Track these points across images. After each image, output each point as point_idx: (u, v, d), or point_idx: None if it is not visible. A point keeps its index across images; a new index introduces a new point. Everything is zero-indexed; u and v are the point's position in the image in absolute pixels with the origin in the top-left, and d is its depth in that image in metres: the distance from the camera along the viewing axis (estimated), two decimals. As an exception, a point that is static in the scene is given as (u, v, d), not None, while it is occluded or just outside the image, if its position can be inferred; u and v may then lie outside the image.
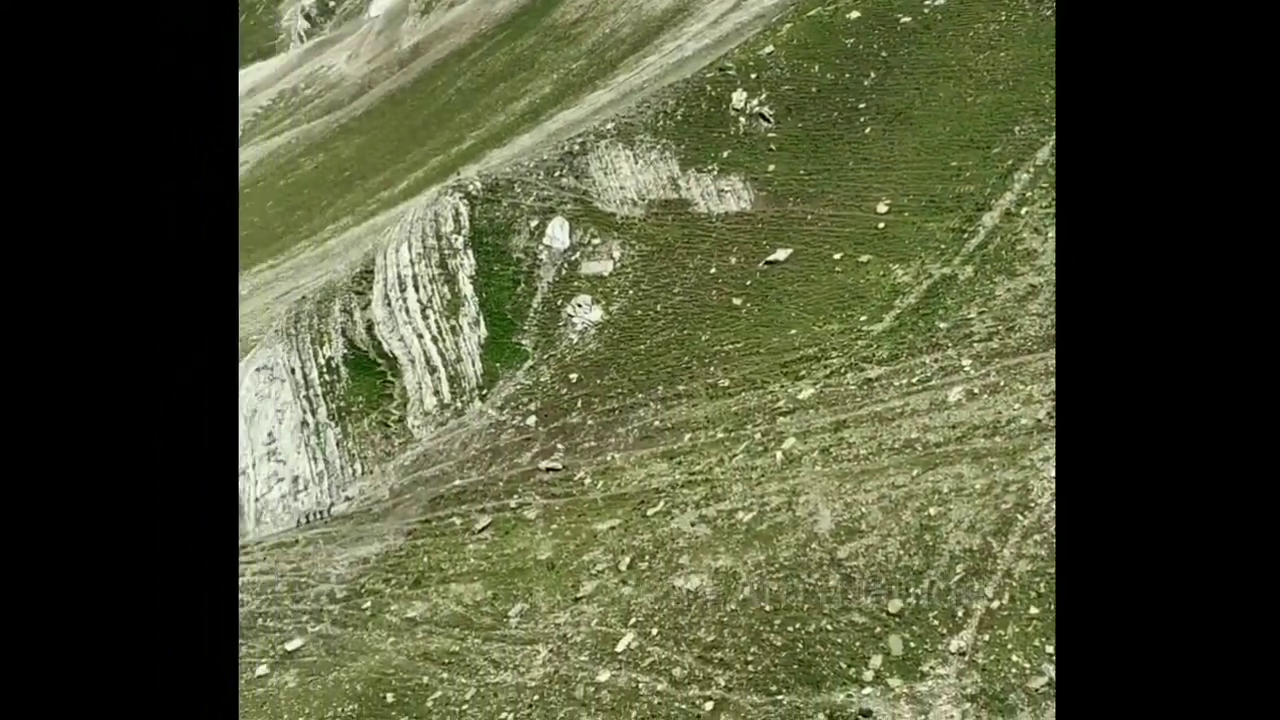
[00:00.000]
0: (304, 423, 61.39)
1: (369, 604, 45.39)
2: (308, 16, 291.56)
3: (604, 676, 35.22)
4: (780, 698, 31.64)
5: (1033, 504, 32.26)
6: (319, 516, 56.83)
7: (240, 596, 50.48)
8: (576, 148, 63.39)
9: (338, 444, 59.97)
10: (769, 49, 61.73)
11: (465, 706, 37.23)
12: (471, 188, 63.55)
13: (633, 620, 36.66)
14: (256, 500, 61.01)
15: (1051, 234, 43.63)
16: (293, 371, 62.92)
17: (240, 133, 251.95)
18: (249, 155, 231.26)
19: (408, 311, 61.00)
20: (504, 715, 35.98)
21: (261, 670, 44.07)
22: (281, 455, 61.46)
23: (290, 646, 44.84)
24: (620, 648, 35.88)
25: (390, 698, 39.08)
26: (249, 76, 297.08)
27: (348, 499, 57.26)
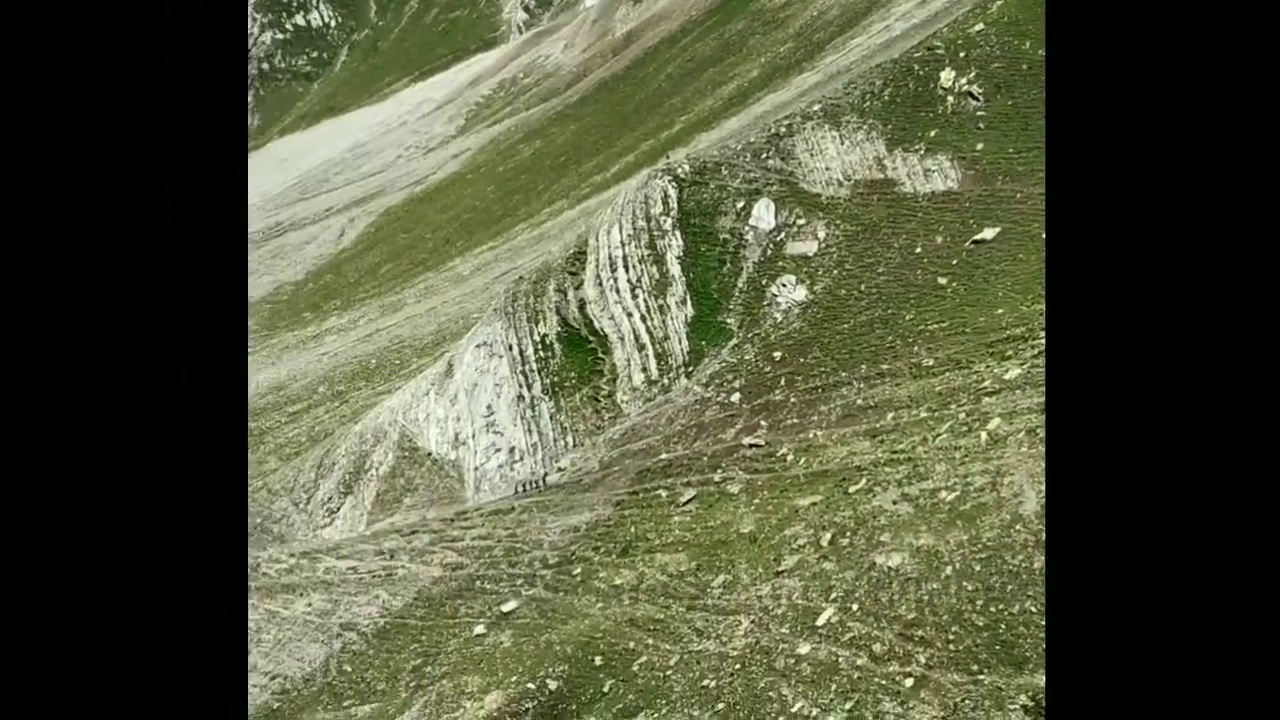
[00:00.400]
0: (520, 396, 63.12)
1: (579, 570, 46.39)
2: (526, 8, 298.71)
3: (804, 649, 35.07)
4: (981, 677, 30.88)
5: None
6: (534, 485, 58.38)
7: (460, 559, 52.36)
8: (783, 130, 62.92)
9: (551, 417, 61.45)
10: (979, 27, 59.82)
11: (669, 672, 37.68)
12: (680, 171, 63.88)
13: (833, 595, 36.36)
14: (476, 469, 63.16)
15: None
16: (510, 348, 64.72)
17: (463, 121, 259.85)
18: (471, 143, 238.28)
19: (618, 291, 61.89)
20: (706, 682, 36.26)
21: (479, 630, 45.59)
22: (499, 427, 63.39)
23: (506, 608, 46.22)
24: (821, 622, 35.65)
25: (598, 660, 39.88)
26: (471, 68, 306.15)
27: (560, 469, 58.64)
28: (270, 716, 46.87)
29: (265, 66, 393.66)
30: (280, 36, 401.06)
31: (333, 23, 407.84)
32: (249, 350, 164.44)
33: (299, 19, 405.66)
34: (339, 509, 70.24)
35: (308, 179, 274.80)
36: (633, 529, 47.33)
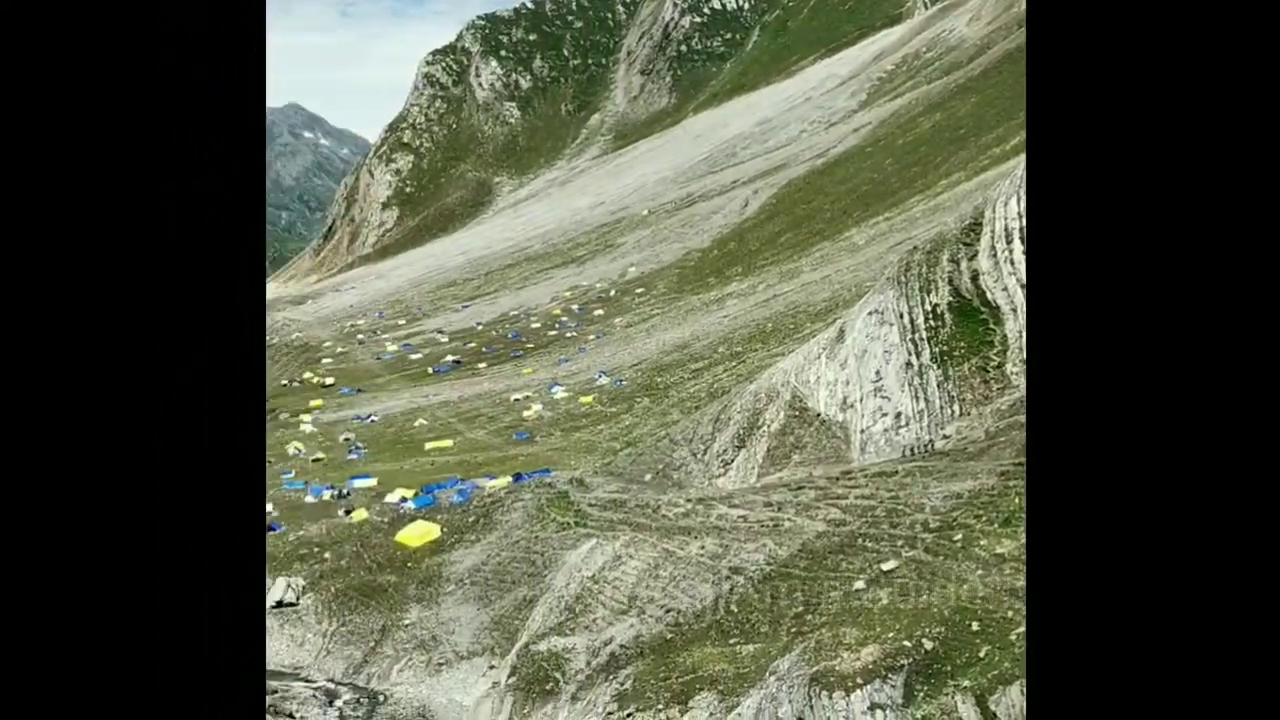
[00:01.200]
0: (909, 363, 61.96)
1: (960, 536, 45.09)
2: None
3: (1195, 637, 32.38)
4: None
5: None
6: (919, 450, 57.26)
7: (843, 517, 52.28)
8: (1199, 98, 57.64)
9: (938, 385, 59.90)
10: None
11: (1048, 645, 35.96)
12: (1084, 141, 60.06)
13: (1231, 585, 33.30)
14: (862, 431, 62.74)
15: None
16: (901, 316, 63.61)
17: (865, 96, 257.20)
18: (872, 116, 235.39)
19: (1013, 263, 59.24)
20: (1086, 660, 34.31)
21: (859, 585, 45.40)
22: (886, 392, 62.57)
23: (886, 567, 45.71)
24: (1215, 611, 32.77)
25: (975, 626, 38.66)
26: (876, 43, 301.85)
27: (945, 437, 57.13)
28: (663, 646, 48.99)
29: (683, 49, 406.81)
30: (698, 20, 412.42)
31: (745, 5, 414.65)
32: (657, 310, 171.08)
33: (715, 3, 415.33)
34: (732, 461, 72.08)
35: (717, 153, 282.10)
36: (1016, 500, 45.38)
